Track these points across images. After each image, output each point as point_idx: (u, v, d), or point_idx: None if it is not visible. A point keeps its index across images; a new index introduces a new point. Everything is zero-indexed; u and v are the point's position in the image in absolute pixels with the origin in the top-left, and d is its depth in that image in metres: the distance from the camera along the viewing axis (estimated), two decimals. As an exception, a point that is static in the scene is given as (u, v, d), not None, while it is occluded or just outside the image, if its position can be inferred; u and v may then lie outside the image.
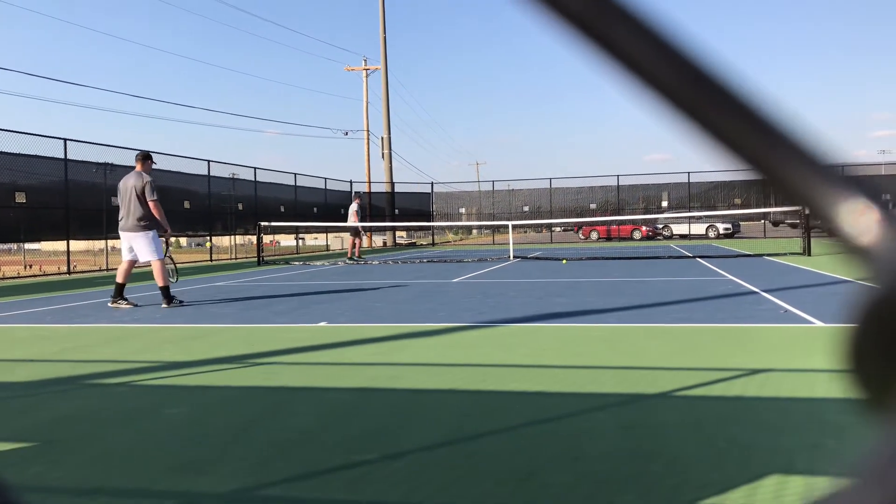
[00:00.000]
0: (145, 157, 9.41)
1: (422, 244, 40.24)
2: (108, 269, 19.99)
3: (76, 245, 20.06)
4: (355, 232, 20.59)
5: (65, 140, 17.85)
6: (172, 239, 12.39)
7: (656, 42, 0.27)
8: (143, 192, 9.01)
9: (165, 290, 9.13)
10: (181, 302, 9.34)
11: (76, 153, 18.29)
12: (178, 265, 11.13)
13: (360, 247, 20.87)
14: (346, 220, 34.73)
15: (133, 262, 9.26)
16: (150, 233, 9.15)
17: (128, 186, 9.09)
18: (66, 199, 17.84)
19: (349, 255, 20.47)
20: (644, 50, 0.27)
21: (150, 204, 9.03)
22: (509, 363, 4.92)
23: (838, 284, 9.80)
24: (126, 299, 9.26)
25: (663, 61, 0.27)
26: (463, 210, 38.03)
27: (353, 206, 20.40)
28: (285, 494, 2.62)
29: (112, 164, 19.43)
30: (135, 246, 9.12)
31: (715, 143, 0.27)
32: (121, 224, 9.18)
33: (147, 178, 9.12)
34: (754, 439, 3.06)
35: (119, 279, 9.21)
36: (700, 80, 0.27)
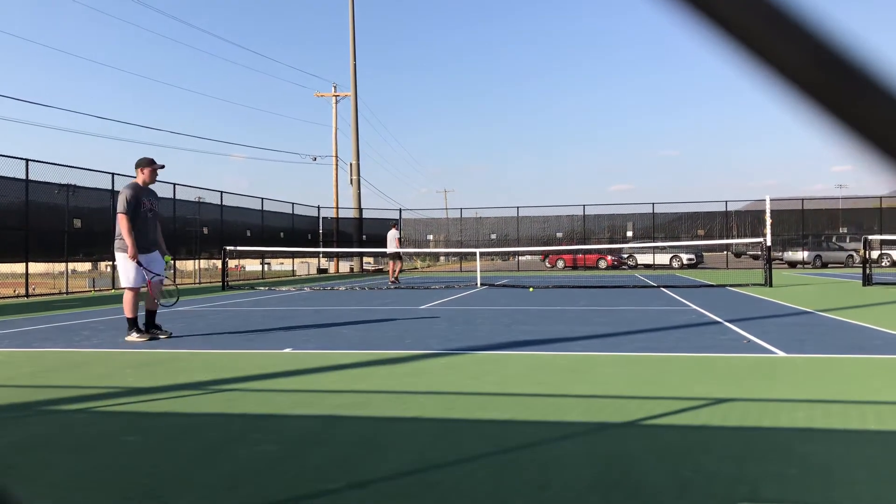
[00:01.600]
0: (139, 164, 8.11)
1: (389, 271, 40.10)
2: (67, 293, 19.57)
3: (35, 267, 19.63)
4: (396, 256, 21.94)
5: (27, 160, 17.55)
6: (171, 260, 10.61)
7: (788, 24, 0.25)
8: None
9: (130, 322, 7.96)
10: (156, 333, 8.08)
11: (38, 174, 17.98)
12: (177, 286, 9.79)
13: (397, 270, 22.21)
14: (316, 245, 34.56)
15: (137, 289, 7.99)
16: (124, 254, 7.87)
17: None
18: (25, 220, 17.49)
19: (392, 279, 21.86)
20: (775, 33, 0.25)
21: (117, 217, 7.84)
22: (476, 391, 4.90)
23: (799, 315, 9.97)
24: (159, 327, 8.17)
25: (795, 43, 0.25)
26: (431, 237, 38.05)
27: (396, 233, 21.74)
28: (247, 524, 2.56)
29: (75, 186, 19.12)
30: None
31: (854, 133, 0.25)
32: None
33: (124, 189, 7.93)
34: (719, 468, 3.07)
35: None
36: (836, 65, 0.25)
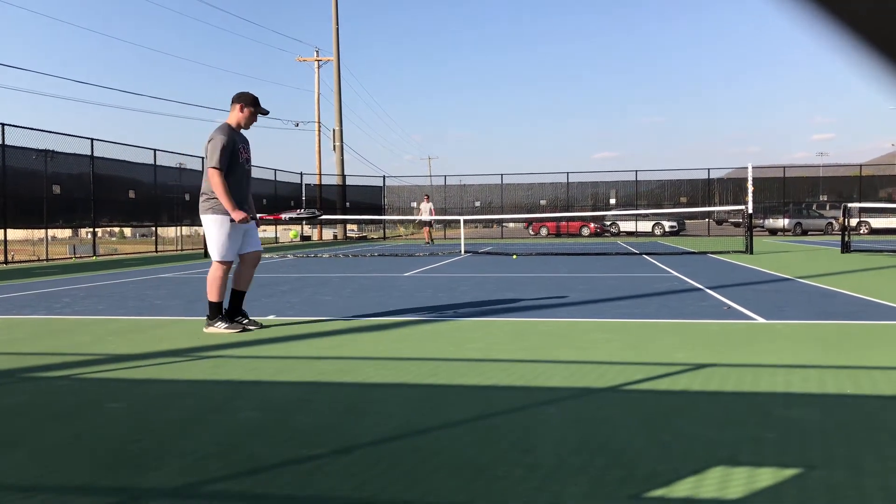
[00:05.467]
0: (242, 99, 6.23)
1: (373, 238, 40.05)
2: (47, 260, 19.39)
3: (14, 234, 19.41)
4: (429, 223, 27.03)
5: (2, 125, 17.24)
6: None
7: None
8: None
9: (213, 307, 6.15)
10: (245, 324, 6.25)
11: (15, 139, 17.68)
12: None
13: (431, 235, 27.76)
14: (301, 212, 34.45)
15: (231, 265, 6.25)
16: (219, 217, 6.06)
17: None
18: (2, 186, 17.23)
19: (428, 242, 27.03)
20: None
21: (208, 172, 6.02)
22: (460, 357, 4.93)
23: (779, 282, 10.08)
24: (245, 315, 6.30)
25: None
26: (415, 204, 37.96)
27: (430, 205, 26.79)
28: (232, 490, 2.58)
29: (53, 151, 18.83)
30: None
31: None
32: None
33: (216, 134, 6.06)
34: (699, 432, 3.12)
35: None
36: None
